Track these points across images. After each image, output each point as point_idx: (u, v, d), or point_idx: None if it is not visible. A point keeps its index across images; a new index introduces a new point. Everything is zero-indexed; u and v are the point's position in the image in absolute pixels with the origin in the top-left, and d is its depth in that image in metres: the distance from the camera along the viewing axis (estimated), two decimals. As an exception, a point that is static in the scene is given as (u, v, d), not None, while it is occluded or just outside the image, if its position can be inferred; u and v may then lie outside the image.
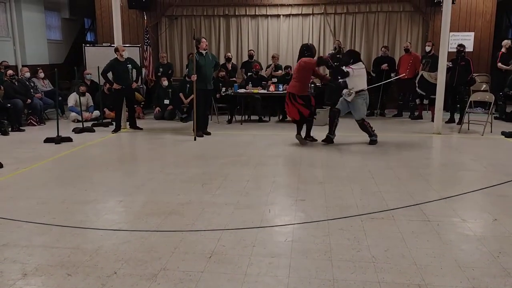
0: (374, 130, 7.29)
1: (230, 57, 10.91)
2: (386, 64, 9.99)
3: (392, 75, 10.21)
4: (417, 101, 9.91)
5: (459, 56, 9.00)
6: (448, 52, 8.17)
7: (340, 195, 4.57)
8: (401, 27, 11.19)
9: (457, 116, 9.17)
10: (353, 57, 7.40)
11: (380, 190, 4.72)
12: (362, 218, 3.87)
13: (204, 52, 7.88)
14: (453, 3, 9.01)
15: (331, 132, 7.37)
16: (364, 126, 7.28)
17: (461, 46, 9.05)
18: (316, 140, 7.37)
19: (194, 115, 8.06)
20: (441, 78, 8.04)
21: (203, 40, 7.94)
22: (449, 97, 9.09)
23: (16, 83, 9.09)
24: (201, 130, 7.99)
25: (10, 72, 9.17)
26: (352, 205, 4.26)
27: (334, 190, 4.75)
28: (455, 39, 10.54)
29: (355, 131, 8.09)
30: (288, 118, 9.94)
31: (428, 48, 9.56)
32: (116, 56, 8.34)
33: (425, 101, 9.83)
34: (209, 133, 8.18)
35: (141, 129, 8.69)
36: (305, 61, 7.02)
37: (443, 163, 6.17)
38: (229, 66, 10.71)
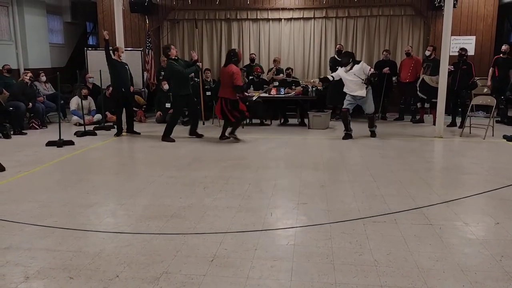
0: (376, 125, 8.25)
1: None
2: (387, 68, 10.00)
3: (394, 79, 10.23)
4: (419, 104, 9.92)
5: (461, 60, 9.00)
6: (450, 55, 8.17)
7: (342, 198, 4.57)
8: (403, 31, 11.21)
9: (458, 120, 9.16)
10: (352, 57, 8.03)
11: (382, 193, 4.72)
12: (364, 222, 3.87)
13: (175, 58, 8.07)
14: (454, 7, 9.02)
15: (348, 129, 7.99)
16: (373, 118, 8.10)
17: (463, 50, 9.06)
18: (239, 140, 7.79)
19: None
20: (442, 82, 8.05)
21: (172, 46, 8.16)
22: (451, 100, 9.09)
23: (29, 86, 9.15)
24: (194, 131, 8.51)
25: (30, 74, 9.25)
26: (354, 208, 4.26)
27: (336, 193, 4.74)
28: (457, 43, 10.56)
29: (355, 134, 8.10)
30: (290, 122, 10.04)
31: (428, 53, 9.56)
32: (114, 57, 8.30)
33: (427, 105, 9.84)
34: (201, 135, 8.41)
35: (139, 133, 8.63)
36: (233, 69, 7.49)
37: (445, 167, 6.16)
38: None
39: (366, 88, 7.83)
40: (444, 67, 7.99)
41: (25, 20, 11.37)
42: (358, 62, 7.96)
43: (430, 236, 3.58)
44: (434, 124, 8.63)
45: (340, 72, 8.00)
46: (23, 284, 2.85)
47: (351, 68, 7.82)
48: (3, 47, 10.87)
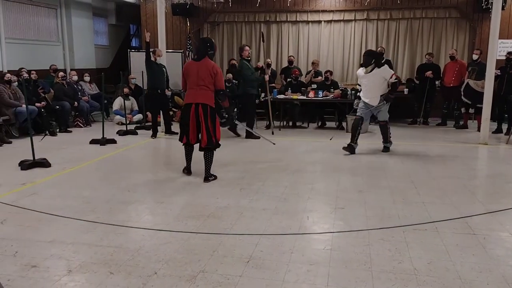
0: (391, 137, 7.21)
1: (270, 63, 10.93)
2: (430, 72, 9.73)
3: (437, 83, 9.95)
4: (463, 110, 9.59)
5: (508, 64, 8.66)
6: (496, 59, 7.86)
7: (381, 204, 4.47)
8: (447, 34, 10.88)
9: (504, 126, 8.81)
10: (378, 58, 7.10)
11: (423, 200, 4.59)
12: (404, 229, 3.77)
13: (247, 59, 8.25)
14: (503, 9, 8.68)
15: (354, 141, 6.96)
16: (385, 128, 7.10)
17: (511, 53, 8.71)
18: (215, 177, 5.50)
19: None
20: (488, 87, 7.76)
21: (246, 48, 8.28)
22: (497, 106, 8.75)
23: (66, 85, 9.49)
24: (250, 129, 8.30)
25: (61, 74, 9.59)
26: (394, 215, 4.16)
27: (374, 199, 4.65)
28: (504, 47, 10.14)
29: (396, 139, 7.91)
30: (328, 125, 9.93)
31: (475, 56, 9.24)
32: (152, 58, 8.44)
33: (471, 110, 9.49)
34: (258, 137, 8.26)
35: (177, 134, 8.72)
36: (215, 66, 5.32)
37: (490, 175, 5.93)
38: (269, 71, 10.75)
39: (381, 101, 6.88)
40: (491, 71, 7.70)
41: (72, 22, 11.81)
42: (381, 65, 6.92)
43: (474, 246, 3.45)
44: (479, 130, 8.33)
45: (359, 71, 7.11)
46: (65, 277, 2.95)
47: (371, 71, 6.83)
48: (51, 48, 11.33)
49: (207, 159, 5.32)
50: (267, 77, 8.16)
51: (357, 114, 7.14)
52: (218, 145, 5.40)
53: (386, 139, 7.14)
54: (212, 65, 5.23)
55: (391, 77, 6.79)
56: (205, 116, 5.17)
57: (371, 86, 6.86)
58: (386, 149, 7.15)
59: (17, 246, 3.42)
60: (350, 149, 6.95)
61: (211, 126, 5.20)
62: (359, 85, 7.28)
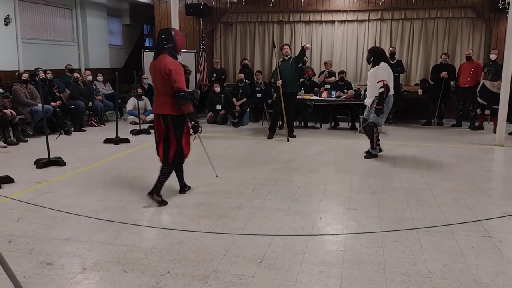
0: (379, 144, 6.63)
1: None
2: (445, 72, 9.62)
3: (452, 83, 9.84)
4: (478, 111, 9.47)
5: (525, 65, 8.50)
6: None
7: (394, 206, 4.43)
8: (462, 34, 10.76)
9: (521, 128, 8.68)
10: (377, 55, 6.45)
11: (438, 202, 4.54)
12: (418, 231, 3.73)
13: (286, 57, 8.30)
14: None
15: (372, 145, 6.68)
16: (371, 131, 6.49)
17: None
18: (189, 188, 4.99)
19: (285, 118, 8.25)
20: (505, 87, 7.64)
21: (285, 46, 8.37)
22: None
23: (81, 85, 9.59)
24: (289, 132, 8.34)
25: (76, 74, 9.71)
26: (407, 217, 4.12)
27: (388, 200, 4.61)
28: (521, 47, 9.97)
29: (409, 140, 7.86)
30: (341, 125, 9.88)
31: (493, 56, 9.11)
32: None
33: (487, 111, 9.37)
34: (294, 136, 8.40)
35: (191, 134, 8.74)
36: (168, 63, 4.26)
37: (506, 177, 5.83)
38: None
39: (375, 108, 6.34)
40: (507, 72, 7.58)
41: (87, 22, 11.95)
42: (377, 64, 6.38)
43: (489, 249, 3.40)
44: (495, 131, 8.21)
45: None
46: (80, 275, 2.98)
47: (370, 69, 6.48)
48: (66, 48, 11.47)
49: (161, 175, 4.46)
50: (279, 83, 8.08)
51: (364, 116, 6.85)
52: (178, 163, 4.58)
53: (372, 144, 6.59)
54: (165, 63, 4.24)
55: (378, 82, 6.20)
56: (167, 128, 4.35)
57: (369, 86, 6.52)
58: (370, 155, 6.57)
59: (32, 244, 3.47)
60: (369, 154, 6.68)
61: (173, 140, 4.36)
62: None
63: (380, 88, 6.21)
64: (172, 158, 4.44)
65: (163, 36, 4.39)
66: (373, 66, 6.47)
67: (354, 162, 6.44)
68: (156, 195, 4.43)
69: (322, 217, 4.13)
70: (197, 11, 11.49)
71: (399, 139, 8.19)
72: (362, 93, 9.38)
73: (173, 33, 4.44)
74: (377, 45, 11.10)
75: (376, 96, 6.35)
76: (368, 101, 6.62)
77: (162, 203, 4.43)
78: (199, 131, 4.51)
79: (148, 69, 4.78)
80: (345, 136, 8.78)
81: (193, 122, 4.43)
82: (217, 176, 5.36)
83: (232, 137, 8.64)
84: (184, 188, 4.90)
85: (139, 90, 10.15)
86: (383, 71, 6.32)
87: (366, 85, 10.11)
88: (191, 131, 4.49)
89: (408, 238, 3.59)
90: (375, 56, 6.44)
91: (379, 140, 6.67)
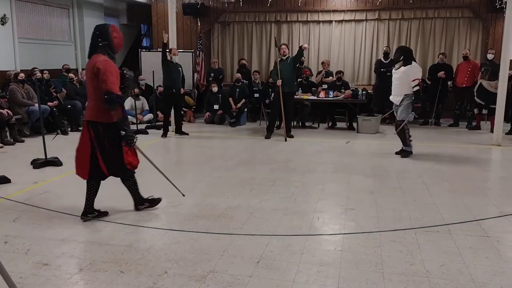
0: (411, 140, 6.73)
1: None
2: (443, 72, 9.63)
3: (449, 83, 9.85)
4: (475, 110, 9.49)
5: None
6: (510, 60, 7.76)
7: (392, 206, 4.43)
8: (459, 33, 10.77)
9: (518, 127, 8.70)
10: (407, 54, 6.57)
11: (435, 202, 4.54)
12: (415, 231, 3.73)
13: (284, 57, 8.33)
14: (517, 8, 8.55)
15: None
16: (401, 130, 6.59)
17: (525, 53, 8.59)
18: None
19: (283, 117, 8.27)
20: (502, 87, 7.66)
21: (283, 46, 8.40)
22: (510, 107, 8.63)
23: (77, 85, 9.56)
24: (286, 132, 8.33)
25: (71, 74, 9.68)
26: (405, 217, 4.12)
27: (385, 200, 4.61)
28: (518, 46, 10.00)
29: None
30: (338, 125, 9.89)
31: (490, 56, 9.13)
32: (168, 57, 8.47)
33: (484, 111, 9.39)
34: (292, 136, 8.38)
35: (187, 134, 8.72)
36: (99, 63, 3.76)
37: (503, 177, 5.85)
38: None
39: (404, 100, 6.51)
40: (504, 72, 7.60)
41: (84, 22, 11.89)
42: (409, 63, 6.52)
43: (487, 248, 3.40)
44: (492, 131, 8.23)
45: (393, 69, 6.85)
46: (77, 276, 2.97)
47: (398, 68, 6.56)
48: (63, 48, 11.42)
49: (129, 188, 4.17)
50: (279, 82, 8.09)
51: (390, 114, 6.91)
52: (130, 172, 4.10)
53: (405, 142, 6.69)
54: (95, 62, 3.75)
55: (412, 81, 6.40)
56: (98, 138, 3.82)
57: (397, 84, 6.59)
58: (404, 153, 6.68)
59: (29, 244, 3.45)
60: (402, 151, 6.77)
61: (109, 150, 3.85)
62: None
63: (416, 86, 6.40)
64: (125, 167, 3.96)
65: (97, 33, 3.88)
66: (404, 65, 6.49)
67: (351, 162, 6.44)
68: (142, 204, 4.20)
69: (319, 217, 4.13)
70: (194, 10, 11.48)
71: (396, 139, 8.16)
72: (360, 92, 9.39)
73: (109, 29, 3.90)
74: (375, 45, 11.13)
75: (405, 94, 6.49)
76: (397, 99, 6.64)
77: (101, 214, 4.04)
78: (133, 142, 3.91)
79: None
80: (343, 136, 8.78)
81: (123, 132, 3.78)
82: (183, 195, 4.59)
83: (229, 137, 8.63)
84: (140, 203, 4.23)
85: (136, 90, 10.13)
86: (417, 70, 6.55)
87: (365, 85, 10.21)
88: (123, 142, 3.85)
89: (406, 238, 3.58)
90: (406, 55, 6.55)
91: (410, 136, 6.74)
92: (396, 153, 6.84)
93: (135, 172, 4.12)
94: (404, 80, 6.49)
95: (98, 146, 3.84)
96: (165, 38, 8.28)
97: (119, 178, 4.12)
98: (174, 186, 4.52)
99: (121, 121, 3.81)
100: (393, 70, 6.76)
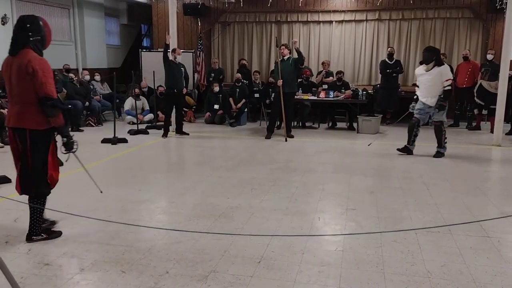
0: (446, 142, 6.77)
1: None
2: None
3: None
4: (476, 111, 9.50)
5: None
6: (510, 60, 7.76)
7: (393, 206, 4.44)
8: (460, 34, 10.78)
9: (518, 128, 8.70)
10: (439, 55, 6.64)
11: (436, 202, 4.54)
12: (416, 231, 3.73)
13: (285, 57, 8.35)
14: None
15: (410, 142, 6.88)
16: (440, 130, 6.69)
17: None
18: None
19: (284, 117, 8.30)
20: (502, 88, 7.67)
21: (282, 47, 8.42)
22: (510, 107, 8.64)
23: (77, 84, 9.56)
24: (287, 132, 8.34)
25: (71, 74, 9.69)
26: (406, 217, 4.13)
27: (386, 200, 4.61)
28: (518, 47, 10.01)
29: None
30: (339, 125, 9.89)
31: (490, 56, 9.14)
32: (170, 57, 8.47)
33: (484, 111, 9.40)
34: (292, 136, 8.40)
35: (188, 134, 8.71)
36: (32, 61, 3.30)
37: (504, 177, 5.85)
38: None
39: (438, 103, 6.53)
40: (504, 72, 7.61)
41: (85, 22, 11.91)
42: (441, 64, 6.59)
43: (488, 249, 3.40)
44: (492, 131, 8.24)
45: (418, 70, 6.85)
46: (78, 276, 2.97)
47: (431, 68, 6.51)
48: (64, 48, 11.42)
49: (32, 212, 3.50)
50: (280, 82, 8.10)
51: (414, 115, 6.86)
52: (47, 189, 3.56)
53: (441, 143, 6.71)
54: (28, 60, 3.27)
55: (446, 80, 6.45)
56: (24, 147, 3.38)
57: (430, 85, 6.53)
58: (439, 155, 6.71)
59: (30, 244, 3.45)
60: (406, 150, 6.89)
61: (32, 161, 3.40)
62: (417, 86, 6.88)
63: (448, 86, 6.47)
64: (35, 187, 3.46)
65: (29, 26, 3.37)
66: (437, 65, 6.49)
67: (352, 162, 6.44)
68: (37, 235, 3.51)
69: (320, 217, 4.13)
70: (195, 11, 11.48)
71: (396, 139, 8.18)
72: (360, 93, 9.39)
73: (41, 22, 3.43)
74: (375, 45, 11.14)
75: (440, 96, 6.52)
76: (431, 101, 6.60)
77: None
78: (75, 149, 3.63)
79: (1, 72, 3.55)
80: (343, 136, 8.79)
81: (65, 139, 3.49)
82: (101, 192, 4.16)
83: (230, 137, 8.64)
84: (36, 233, 3.50)
85: (137, 90, 10.14)
86: (449, 70, 6.73)
87: (365, 85, 10.19)
88: (62, 149, 3.55)
89: (407, 238, 3.59)
90: (438, 56, 6.59)
91: (446, 138, 6.76)
92: (434, 156, 6.74)
93: (50, 192, 3.60)
94: (437, 81, 6.49)
95: (22, 157, 3.41)
96: (168, 40, 8.30)
97: (30, 195, 3.53)
98: (94, 182, 4.06)
99: (63, 127, 3.48)
100: (422, 71, 6.66)
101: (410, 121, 6.94)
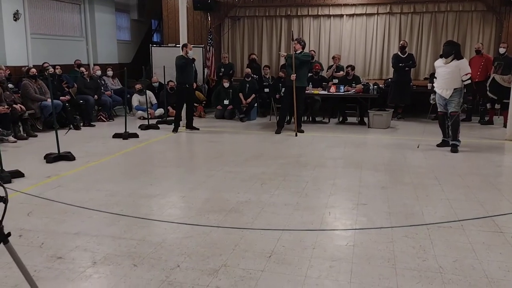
0: (459, 135, 6.79)
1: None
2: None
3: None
4: (488, 105, 9.38)
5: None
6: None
7: (404, 201, 4.41)
8: (472, 27, 10.64)
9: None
10: (459, 49, 6.77)
11: (448, 197, 4.50)
12: (428, 227, 3.70)
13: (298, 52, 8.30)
14: (532, 1, 8.45)
15: (446, 135, 6.96)
16: (456, 122, 6.66)
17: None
18: None
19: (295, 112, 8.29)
20: (516, 82, 7.55)
21: (294, 42, 8.38)
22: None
23: (87, 79, 9.63)
24: (297, 127, 8.29)
25: (82, 69, 9.76)
26: (418, 212, 4.10)
27: (397, 195, 4.59)
28: (532, 40, 9.86)
29: (419, 135, 7.80)
30: (349, 120, 9.83)
31: (502, 50, 9.01)
32: (181, 53, 8.48)
33: (497, 106, 9.28)
34: (302, 131, 8.37)
35: (198, 129, 8.73)
36: None
37: (517, 172, 5.78)
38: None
39: (455, 93, 6.61)
40: (518, 66, 7.49)
41: (96, 17, 11.97)
42: (460, 58, 6.67)
43: (501, 244, 3.37)
44: (505, 126, 8.13)
45: (437, 62, 6.93)
46: (90, 269, 3.00)
47: (450, 61, 6.57)
48: (75, 43, 11.51)
49: None
50: (293, 77, 8.07)
51: (438, 110, 6.98)
52: None
53: (455, 135, 6.70)
54: None
55: (465, 75, 6.54)
56: None
57: (447, 78, 6.62)
58: (455, 148, 6.67)
59: (43, 238, 3.49)
60: (444, 144, 6.95)
61: None
62: (435, 77, 6.97)
63: (468, 80, 6.57)
64: None
65: None
66: (457, 59, 6.58)
67: (363, 157, 6.41)
68: None
69: (331, 212, 4.12)
70: (205, 5, 11.47)
71: (408, 133, 8.13)
72: (371, 87, 9.33)
73: None
74: (386, 39, 11.04)
75: (455, 88, 6.61)
76: (446, 93, 6.69)
77: None
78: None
79: None
80: (354, 130, 8.74)
81: None
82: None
83: (240, 132, 8.64)
84: None
85: (138, 86, 10.16)
86: (467, 64, 6.79)
87: (376, 79, 10.11)
88: None
89: (418, 234, 3.56)
90: (457, 50, 6.70)
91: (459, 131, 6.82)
92: (451, 151, 6.68)
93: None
94: (455, 74, 6.58)
95: None
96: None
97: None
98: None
99: None
100: (441, 64, 6.74)
101: (438, 117, 7.06)
